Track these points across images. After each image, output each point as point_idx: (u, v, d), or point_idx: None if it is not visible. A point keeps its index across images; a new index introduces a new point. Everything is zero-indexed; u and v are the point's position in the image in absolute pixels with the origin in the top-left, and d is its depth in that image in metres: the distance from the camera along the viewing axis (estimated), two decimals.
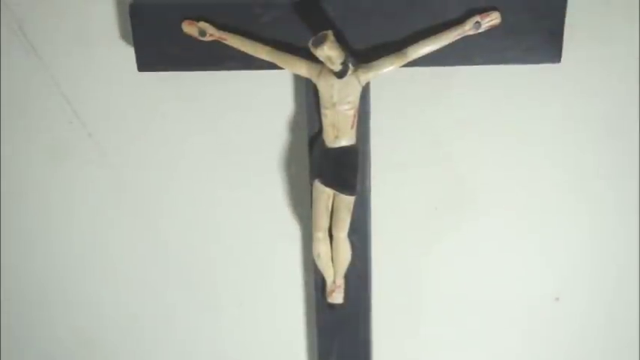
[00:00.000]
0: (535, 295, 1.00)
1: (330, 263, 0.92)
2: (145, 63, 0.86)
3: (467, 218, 0.96)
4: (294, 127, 0.93)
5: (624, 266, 0.97)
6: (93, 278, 1.05)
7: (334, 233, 0.90)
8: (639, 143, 0.90)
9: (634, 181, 0.92)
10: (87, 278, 1.05)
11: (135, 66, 0.86)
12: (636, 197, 0.93)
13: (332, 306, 0.95)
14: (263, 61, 0.82)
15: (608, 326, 1.00)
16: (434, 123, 0.92)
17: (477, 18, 0.79)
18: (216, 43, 0.83)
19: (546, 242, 0.97)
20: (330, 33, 0.75)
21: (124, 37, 0.90)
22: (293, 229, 0.99)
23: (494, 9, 0.79)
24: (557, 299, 0.99)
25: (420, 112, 0.91)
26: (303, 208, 0.96)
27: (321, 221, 0.89)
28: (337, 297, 0.94)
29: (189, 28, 0.83)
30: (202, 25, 0.82)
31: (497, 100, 0.90)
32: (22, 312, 1.08)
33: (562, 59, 0.81)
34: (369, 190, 0.91)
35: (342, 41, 0.79)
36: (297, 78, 0.88)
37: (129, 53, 0.86)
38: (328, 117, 0.83)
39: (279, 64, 0.82)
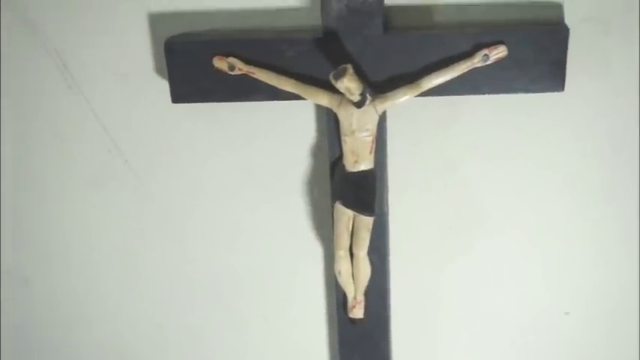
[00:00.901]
0: (546, 310, 1.01)
1: (351, 280, 0.93)
2: (179, 95, 0.88)
3: (480, 237, 0.97)
4: (317, 152, 0.95)
5: (629, 283, 0.98)
6: (128, 295, 1.07)
7: (355, 252, 0.91)
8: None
9: (637, 201, 0.93)
10: (122, 296, 1.07)
11: (169, 98, 0.88)
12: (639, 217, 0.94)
13: (353, 321, 0.96)
14: (288, 92, 0.84)
15: (611, 339, 1.02)
16: (447, 148, 0.93)
17: (486, 51, 0.80)
18: (245, 77, 0.84)
19: (555, 260, 0.98)
20: (349, 66, 0.77)
21: (159, 71, 0.92)
22: (316, 248, 1.00)
23: (501, 43, 0.81)
24: (567, 314, 1.01)
25: (433, 138, 0.93)
26: (325, 228, 0.97)
27: (342, 240, 0.90)
28: (358, 312, 0.95)
29: (220, 63, 0.84)
30: (232, 60, 0.84)
31: (505, 127, 0.91)
32: (60, 327, 1.11)
33: (565, 88, 0.83)
34: (387, 212, 0.92)
35: (360, 74, 0.81)
36: (319, 108, 0.90)
37: (164, 86, 0.89)
38: (348, 143, 0.85)
39: (302, 95, 0.84)
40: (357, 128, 0.84)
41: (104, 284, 1.07)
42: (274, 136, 0.95)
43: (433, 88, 0.83)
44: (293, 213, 0.99)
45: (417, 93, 0.83)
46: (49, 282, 1.08)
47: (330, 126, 0.88)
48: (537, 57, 0.81)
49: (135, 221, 1.03)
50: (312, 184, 0.97)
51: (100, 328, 1.10)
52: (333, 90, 0.80)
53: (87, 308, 1.09)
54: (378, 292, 0.95)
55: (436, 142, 0.94)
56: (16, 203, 1.03)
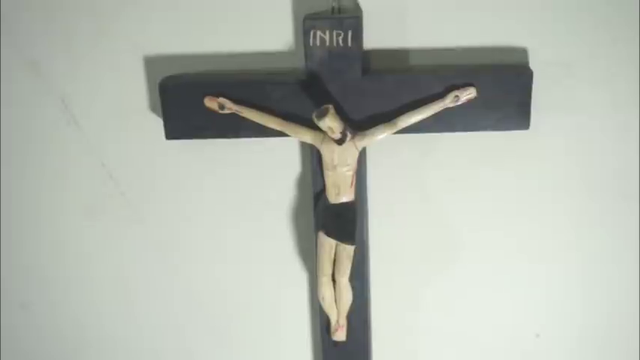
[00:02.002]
0: (517, 331, 1.02)
1: (334, 305, 0.95)
2: (172, 132, 0.90)
3: (455, 264, 0.99)
4: (301, 185, 0.96)
5: (599, 306, 1.00)
6: (123, 322, 1.09)
7: (337, 278, 0.93)
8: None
9: (609, 227, 0.95)
10: (116, 322, 1.09)
11: (163, 134, 0.90)
12: (612, 244, 0.96)
13: (336, 343, 0.98)
14: (274, 130, 0.86)
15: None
16: (423, 181, 0.95)
17: (457, 93, 0.83)
18: (234, 116, 0.86)
19: (525, 284, 0.99)
20: (330, 107, 0.80)
21: (153, 109, 0.94)
22: (300, 276, 1.02)
23: (471, 85, 0.83)
24: (537, 335, 1.02)
25: (410, 172, 0.95)
26: (309, 256, 0.98)
27: (325, 267, 0.92)
28: (340, 335, 0.97)
29: (210, 103, 0.86)
30: (221, 100, 0.86)
31: (477, 161, 0.93)
32: (55, 351, 1.13)
33: (530, 126, 0.85)
34: (368, 240, 0.94)
35: (341, 113, 0.83)
36: (303, 144, 0.92)
37: (158, 124, 0.91)
38: (330, 177, 0.87)
39: (287, 132, 0.86)
40: (339, 163, 0.86)
41: (98, 310, 1.08)
42: (262, 170, 0.97)
43: (409, 126, 0.85)
44: (279, 242, 1.00)
45: (393, 131, 0.85)
46: (44, 308, 1.09)
47: (313, 161, 0.90)
48: (504, 98, 0.84)
49: (128, 250, 1.04)
50: (297, 214, 0.99)
51: (95, 354, 1.12)
52: (316, 128, 0.82)
53: (82, 333, 1.10)
54: (359, 316, 0.97)
55: (413, 175, 0.95)
56: (16, 231, 1.04)
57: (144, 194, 1.00)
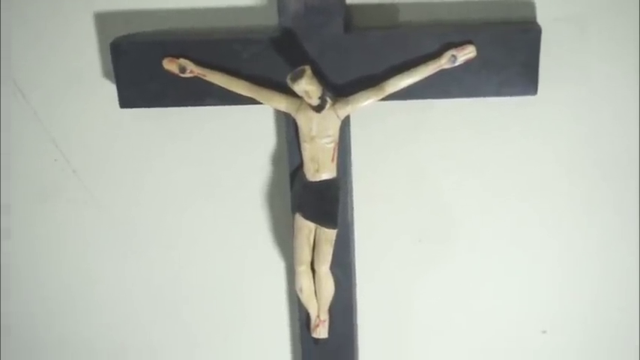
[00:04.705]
0: (522, 328, 1.00)
1: (314, 297, 0.92)
2: (127, 100, 0.87)
3: (451, 250, 0.97)
4: (276, 161, 0.94)
5: (608, 299, 0.97)
6: (80, 313, 1.06)
7: (316, 267, 0.90)
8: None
9: (619, 212, 0.92)
10: (75, 313, 1.06)
11: (117, 102, 0.87)
12: (622, 229, 0.93)
13: (317, 341, 0.95)
14: (243, 96, 0.83)
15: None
16: (415, 155, 0.92)
17: (453, 52, 0.79)
18: (197, 80, 0.84)
19: (532, 274, 0.97)
20: (307, 68, 0.76)
21: (107, 74, 0.91)
22: (277, 263, 0.99)
23: (469, 43, 0.79)
24: (544, 332, 1.00)
25: (401, 145, 0.92)
26: (286, 241, 0.97)
27: (303, 255, 0.89)
28: (321, 332, 0.94)
29: (170, 65, 0.83)
30: (182, 61, 0.83)
31: (476, 132, 0.90)
32: (10, 346, 1.09)
33: (538, 92, 0.82)
34: (352, 223, 0.92)
35: (319, 76, 0.80)
36: (278, 113, 0.90)
37: (112, 91, 0.87)
38: (308, 150, 0.84)
39: (258, 99, 0.83)
40: (318, 134, 0.83)
41: (55, 298, 1.06)
42: (230, 143, 0.94)
43: (398, 91, 0.81)
44: (251, 226, 0.98)
45: (381, 96, 0.82)
46: None
47: (289, 132, 0.87)
48: (508, 58, 0.80)
49: (86, 235, 1.01)
50: (272, 194, 0.96)
51: (49, 344, 1.10)
52: (291, 93, 0.80)
53: (32, 322, 1.08)
54: (342, 310, 0.94)
55: (404, 148, 0.93)
56: None
57: (98, 171, 0.98)
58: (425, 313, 1.00)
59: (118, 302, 1.05)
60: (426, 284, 0.99)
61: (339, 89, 0.82)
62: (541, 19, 0.83)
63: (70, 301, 1.05)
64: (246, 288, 1.02)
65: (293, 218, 0.88)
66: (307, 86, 0.76)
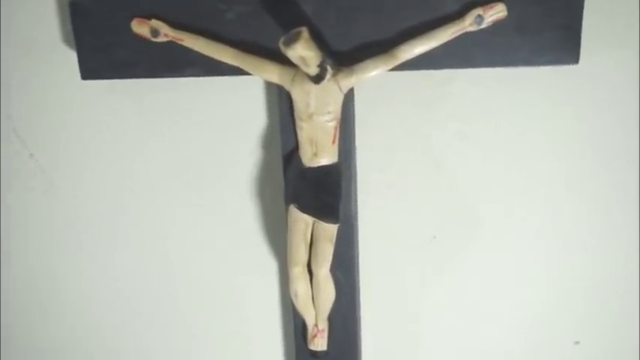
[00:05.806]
0: (551, 339, 0.95)
1: (311, 304, 0.88)
2: (90, 70, 0.83)
3: (470, 249, 0.92)
4: (267, 143, 0.91)
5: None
6: (52, 317, 1.03)
7: (314, 269, 0.86)
8: None
9: None
10: (47, 317, 1.03)
11: (79, 73, 0.84)
12: None
13: (314, 354, 0.91)
14: (228, 65, 0.79)
15: None
16: (430, 137, 0.89)
17: (479, 11, 0.74)
18: (172, 46, 0.80)
19: (563, 275, 0.92)
20: (304, 30, 0.71)
21: (66, 41, 0.88)
22: (268, 264, 0.96)
23: (498, 0, 0.74)
24: (576, 343, 0.93)
25: (414, 125, 0.88)
26: (278, 239, 0.94)
27: (298, 255, 0.85)
28: (320, 343, 0.90)
29: (140, 28, 0.79)
30: (155, 23, 0.79)
31: (503, 110, 0.86)
32: None
33: (580, 60, 0.76)
34: (356, 217, 0.87)
35: (319, 40, 0.75)
36: (269, 85, 0.86)
37: (73, 59, 0.83)
38: (305, 130, 0.79)
39: (246, 68, 0.79)
40: (316, 110, 0.78)
41: (16, 291, 1.03)
42: (213, 122, 0.91)
43: (413, 59, 0.77)
44: (238, 220, 0.95)
45: (392, 65, 0.77)
46: None
47: (282, 108, 0.83)
48: (545, 20, 0.76)
49: (48, 227, 0.97)
50: (263, 183, 0.93)
51: (19, 342, 1.06)
52: (284, 61, 0.75)
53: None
54: (344, 318, 0.90)
55: (417, 129, 0.89)
56: None
57: (57, 154, 0.94)
58: (438, 323, 0.97)
59: (85, 301, 1.01)
60: (441, 288, 0.95)
61: (341, 56, 0.78)
62: None
63: (31, 291, 1.02)
64: (232, 293, 0.99)
65: (286, 211, 0.85)
66: (303, 52, 0.71)
